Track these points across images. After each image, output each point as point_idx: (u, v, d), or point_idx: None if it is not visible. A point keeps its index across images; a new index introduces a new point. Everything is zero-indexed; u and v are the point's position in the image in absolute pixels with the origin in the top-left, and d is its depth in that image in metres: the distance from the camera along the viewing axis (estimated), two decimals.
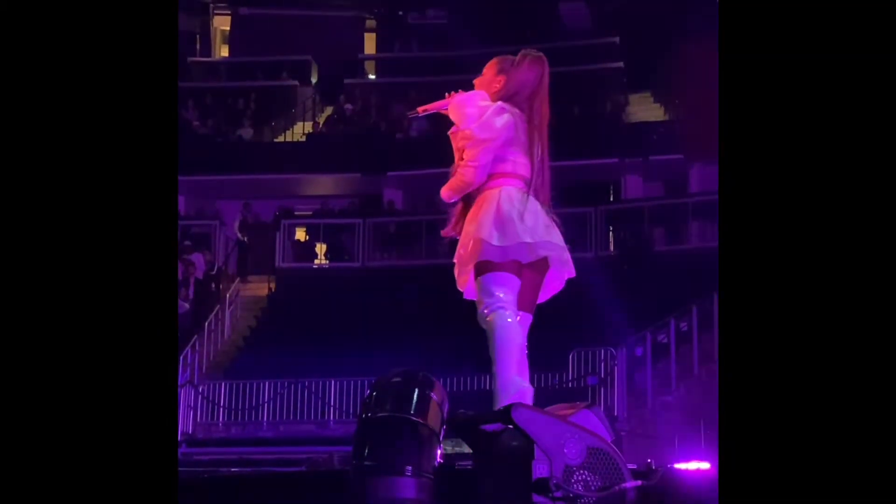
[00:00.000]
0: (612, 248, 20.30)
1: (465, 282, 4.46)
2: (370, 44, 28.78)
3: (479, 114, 4.39)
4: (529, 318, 4.38)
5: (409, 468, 3.69)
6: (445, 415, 3.93)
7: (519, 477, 3.66)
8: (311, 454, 11.90)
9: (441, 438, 3.90)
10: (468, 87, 4.58)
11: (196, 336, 17.64)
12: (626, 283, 17.52)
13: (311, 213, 23.43)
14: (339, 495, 3.92)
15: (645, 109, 24.55)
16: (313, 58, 26.73)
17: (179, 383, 15.46)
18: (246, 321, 19.82)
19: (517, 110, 4.42)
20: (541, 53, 4.57)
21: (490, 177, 4.39)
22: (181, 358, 16.44)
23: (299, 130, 25.25)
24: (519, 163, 4.41)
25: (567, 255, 4.40)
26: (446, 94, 4.58)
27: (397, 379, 3.93)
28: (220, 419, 16.54)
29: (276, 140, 25.20)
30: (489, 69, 4.58)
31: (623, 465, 3.70)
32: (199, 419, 16.42)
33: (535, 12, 25.06)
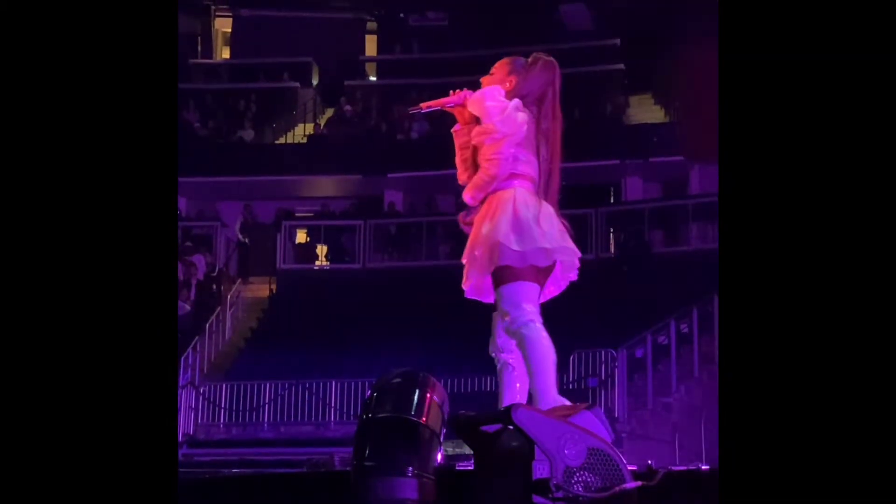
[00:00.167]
0: (612, 249, 20.30)
1: (474, 283, 4.44)
2: (371, 45, 28.78)
3: (502, 108, 4.37)
4: None
5: (410, 469, 3.70)
6: (446, 415, 3.94)
7: (519, 478, 3.66)
8: (311, 455, 11.90)
9: (442, 439, 3.90)
10: (470, 87, 4.58)
11: (197, 337, 17.65)
12: (627, 285, 17.55)
13: (311, 214, 23.45)
14: (340, 496, 3.92)
15: (645, 111, 24.54)
16: (314, 59, 26.73)
17: (180, 384, 15.46)
18: (247, 322, 19.83)
19: (527, 111, 4.42)
20: (552, 58, 4.56)
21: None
22: (182, 359, 16.45)
23: (300, 132, 25.26)
24: (531, 163, 4.41)
25: (576, 260, 4.40)
26: (450, 91, 4.57)
27: (398, 380, 3.94)
28: (221, 420, 16.55)
29: (276, 142, 25.20)
30: (500, 68, 4.57)
31: (623, 466, 3.70)
32: (199, 420, 16.44)
33: (535, 14, 25.06)
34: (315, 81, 26.85)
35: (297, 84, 26.20)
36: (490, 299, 4.47)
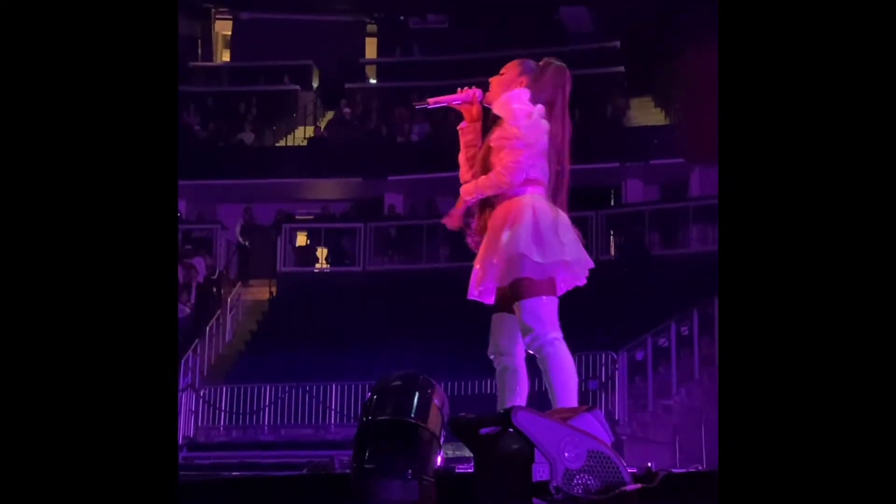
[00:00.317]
0: (612, 252, 20.31)
1: (485, 289, 4.39)
2: (371, 48, 28.81)
3: (528, 112, 4.33)
4: None
5: (410, 471, 3.70)
6: (446, 418, 3.94)
7: (519, 480, 3.66)
8: (311, 458, 11.89)
9: (441, 442, 3.90)
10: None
11: (197, 340, 17.66)
12: (627, 288, 17.54)
13: (312, 217, 23.46)
14: (340, 499, 3.92)
15: (646, 114, 24.56)
16: (314, 62, 26.75)
17: (180, 387, 15.47)
18: (247, 325, 19.84)
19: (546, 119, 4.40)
20: (563, 63, 4.52)
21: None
22: (182, 362, 16.46)
23: (300, 135, 25.27)
24: (542, 169, 4.38)
25: (586, 271, 4.39)
26: (458, 89, 4.54)
27: (398, 382, 3.93)
28: (221, 423, 16.56)
29: (277, 144, 25.22)
30: (511, 70, 4.51)
31: (623, 469, 3.70)
32: (200, 423, 16.44)
33: (536, 16, 25.07)
34: (315, 84, 26.87)
35: (298, 87, 26.22)
36: (490, 300, 4.46)
